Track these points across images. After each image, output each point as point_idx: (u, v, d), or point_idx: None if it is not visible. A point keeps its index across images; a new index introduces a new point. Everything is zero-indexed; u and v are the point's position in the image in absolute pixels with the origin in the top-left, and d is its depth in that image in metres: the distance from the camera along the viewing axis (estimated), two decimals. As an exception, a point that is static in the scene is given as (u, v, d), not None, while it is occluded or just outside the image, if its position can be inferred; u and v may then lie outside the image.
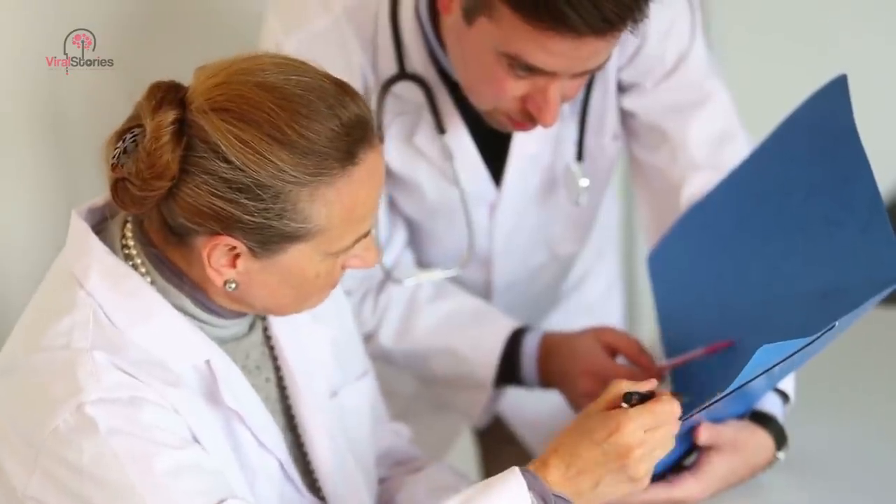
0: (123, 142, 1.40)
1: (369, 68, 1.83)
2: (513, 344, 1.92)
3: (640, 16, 1.59)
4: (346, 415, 1.65)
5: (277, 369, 1.59)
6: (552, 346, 1.91)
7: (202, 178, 1.37)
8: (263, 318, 1.58)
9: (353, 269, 1.48)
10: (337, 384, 1.65)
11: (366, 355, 1.76)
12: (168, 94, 1.39)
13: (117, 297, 1.43)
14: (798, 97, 1.76)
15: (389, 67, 1.83)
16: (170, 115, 1.37)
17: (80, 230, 1.46)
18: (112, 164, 1.40)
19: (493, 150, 1.92)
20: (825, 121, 1.69)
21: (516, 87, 1.67)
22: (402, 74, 1.83)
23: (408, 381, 2.15)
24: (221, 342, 1.50)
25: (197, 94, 1.39)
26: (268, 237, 1.40)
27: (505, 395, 1.99)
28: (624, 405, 1.40)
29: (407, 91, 1.84)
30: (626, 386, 1.42)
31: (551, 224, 2.02)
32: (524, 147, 1.91)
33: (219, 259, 1.42)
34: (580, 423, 1.42)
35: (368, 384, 1.72)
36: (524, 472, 1.40)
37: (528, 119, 1.72)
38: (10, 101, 1.92)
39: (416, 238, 1.99)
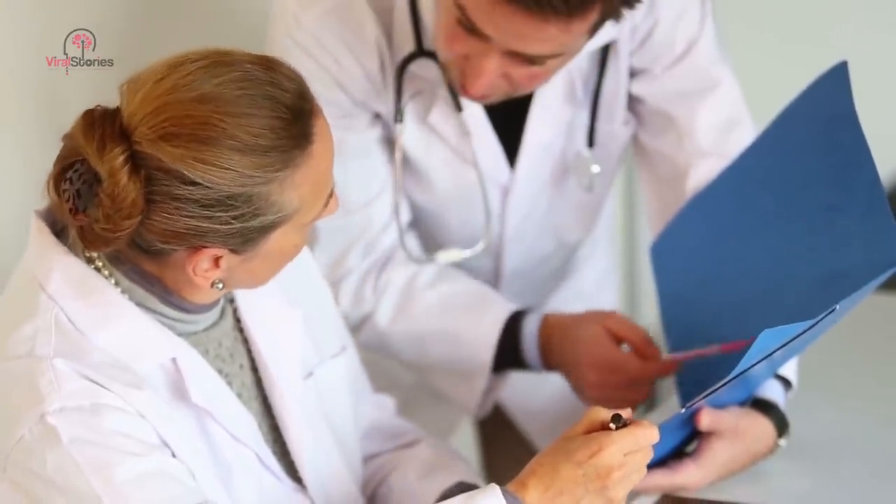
0: (71, 183, 1.38)
1: (385, 43, 1.83)
2: (512, 327, 1.91)
3: (578, 11, 1.55)
4: (323, 394, 1.65)
5: (251, 355, 1.58)
6: (554, 329, 1.89)
7: (171, 205, 1.36)
8: (232, 301, 1.58)
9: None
10: (312, 364, 1.64)
11: (345, 330, 1.75)
12: (106, 128, 1.36)
13: (79, 300, 1.42)
14: (798, 90, 1.77)
15: (406, 44, 1.83)
16: (118, 155, 1.34)
17: (41, 232, 1.46)
18: (70, 211, 1.38)
19: (507, 136, 1.92)
20: (826, 107, 1.70)
21: (460, 44, 1.66)
22: (420, 51, 1.82)
23: (408, 371, 2.15)
24: (191, 335, 1.50)
25: (136, 121, 1.36)
26: (247, 237, 1.40)
27: (504, 384, 1.98)
28: (612, 426, 1.41)
29: (422, 69, 1.84)
30: (605, 413, 1.43)
31: (561, 211, 2.02)
32: (537, 134, 1.91)
33: (202, 266, 1.42)
34: (560, 446, 1.42)
35: (347, 360, 1.71)
36: (504, 492, 1.40)
37: (465, 81, 1.70)
38: (10, 101, 1.93)
39: (423, 224, 1.99)
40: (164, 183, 1.36)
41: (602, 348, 1.84)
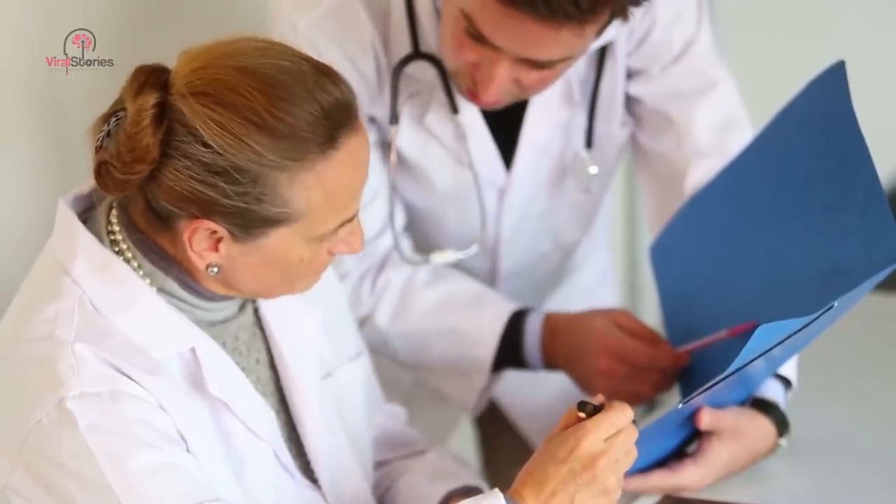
0: (108, 125, 1.42)
1: (381, 47, 1.83)
2: (514, 325, 1.91)
3: (591, 15, 1.56)
4: (340, 396, 1.65)
5: (269, 350, 1.59)
6: (560, 323, 1.90)
7: (182, 162, 1.39)
8: (254, 300, 1.58)
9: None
10: (331, 365, 1.65)
11: (359, 336, 1.76)
12: (150, 78, 1.40)
13: (103, 284, 1.44)
14: (797, 90, 1.77)
15: (402, 46, 1.83)
16: (151, 99, 1.39)
17: (67, 218, 1.48)
18: (96, 147, 1.42)
19: (504, 137, 1.92)
20: (824, 106, 1.70)
21: (469, 52, 1.67)
22: (417, 54, 1.83)
23: (406, 369, 2.15)
24: (209, 325, 1.51)
25: (178, 77, 1.40)
26: (248, 221, 1.41)
27: (500, 381, 1.99)
28: (580, 414, 1.41)
29: (419, 71, 1.84)
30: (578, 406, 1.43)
31: (558, 212, 2.03)
32: (534, 135, 1.91)
33: (200, 243, 1.43)
34: (542, 449, 1.42)
35: (362, 365, 1.72)
36: (506, 499, 1.40)
37: (476, 89, 1.71)
38: (11, 101, 1.93)
39: (418, 225, 1.99)
40: (182, 138, 1.38)
41: (613, 336, 1.85)
